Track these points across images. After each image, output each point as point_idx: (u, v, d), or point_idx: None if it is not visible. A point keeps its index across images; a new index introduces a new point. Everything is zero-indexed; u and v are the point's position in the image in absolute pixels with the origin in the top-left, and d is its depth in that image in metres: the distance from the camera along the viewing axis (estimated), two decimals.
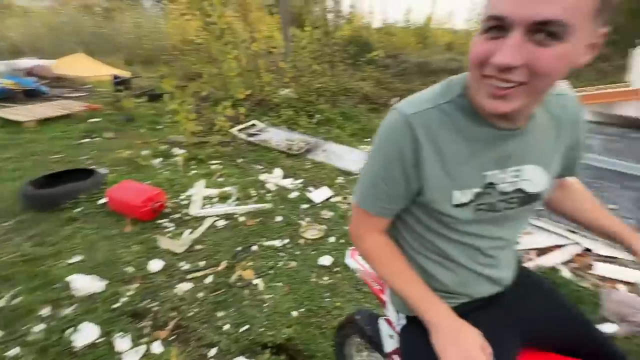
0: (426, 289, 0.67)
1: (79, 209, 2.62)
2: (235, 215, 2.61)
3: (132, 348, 1.54)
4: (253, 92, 5.37)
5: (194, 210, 2.66)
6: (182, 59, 7.04)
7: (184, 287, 1.92)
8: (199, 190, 2.96)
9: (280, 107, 5.18)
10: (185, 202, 2.81)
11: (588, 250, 2.04)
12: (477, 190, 0.62)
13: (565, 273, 1.91)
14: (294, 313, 1.76)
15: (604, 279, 1.85)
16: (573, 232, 2.15)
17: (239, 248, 2.25)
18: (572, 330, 0.75)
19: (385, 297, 0.90)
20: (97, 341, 1.56)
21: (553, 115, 0.65)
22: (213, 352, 1.55)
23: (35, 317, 1.67)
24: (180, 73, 6.79)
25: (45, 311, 1.71)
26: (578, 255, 2.05)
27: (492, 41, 0.48)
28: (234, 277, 1.99)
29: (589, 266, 1.96)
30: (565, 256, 2.03)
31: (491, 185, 0.63)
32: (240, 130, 4.40)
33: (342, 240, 2.34)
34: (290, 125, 4.75)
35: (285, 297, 1.86)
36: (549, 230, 2.20)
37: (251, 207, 2.71)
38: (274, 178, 3.24)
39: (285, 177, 3.31)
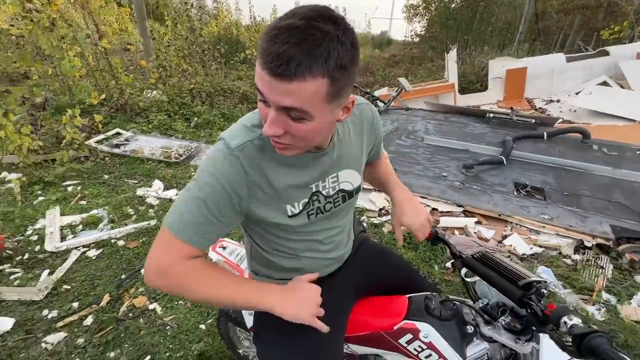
0: (255, 283, 0.74)
1: None
2: (112, 240, 2.26)
3: None
4: (109, 95, 4.60)
5: (51, 245, 2.17)
6: None
7: (53, 339, 1.58)
8: (52, 219, 2.41)
9: (149, 111, 4.63)
10: (34, 237, 2.26)
11: (435, 209, 2.67)
12: (305, 200, 0.76)
13: None
14: (202, 326, 1.69)
15: (446, 228, 2.47)
16: (423, 197, 2.76)
17: (123, 275, 1.98)
18: (400, 277, 1.01)
19: None
20: None
21: (355, 124, 0.81)
22: None
23: None
24: None
25: None
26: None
27: (265, 107, 0.58)
28: (122, 310, 1.75)
29: (437, 221, 2.58)
30: None
31: (316, 193, 0.77)
32: (99, 141, 3.73)
33: None
34: (164, 131, 4.32)
35: (188, 313, 1.76)
36: None
37: (131, 227, 2.39)
38: (154, 191, 2.92)
39: (167, 188, 3.02)
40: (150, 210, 2.66)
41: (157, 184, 3.02)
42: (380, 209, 2.69)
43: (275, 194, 0.70)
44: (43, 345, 1.54)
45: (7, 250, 2.08)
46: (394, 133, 3.85)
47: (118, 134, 4.02)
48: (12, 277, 1.93)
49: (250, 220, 0.75)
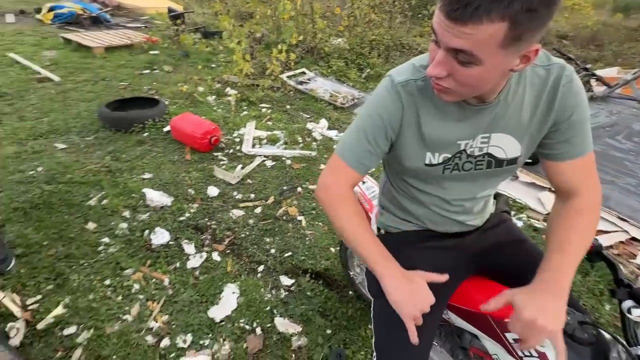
0: (385, 251, 0.73)
1: (146, 134, 2.92)
2: (282, 158, 2.79)
3: (196, 253, 1.84)
4: (305, 38, 5.25)
5: (246, 148, 2.87)
6: None
7: (237, 212, 2.17)
8: (249, 130, 3.14)
9: (331, 57, 5.07)
10: (237, 139, 3.02)
11: (635, 239, 2.00)
12: (448, 155, 0.72)
13: None
14: (332, 249, 1.96)
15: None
16: (623, 219, 2.10)
17: (285, 187, 2.44)
18: (533, 274, 0.68)
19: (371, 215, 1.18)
20: (169, 243, 1.87)
21: (534, 86, 0.67)
22: (261, 268, 1.81)
23: (119, 217, 2.01)
24: (233, 11, 6.71)
25: (127, 214, 2.05)
26: (622, 242, 2.02)
27: (436, 48, 0.57)
28: (280, 211, 2.21)
29: (632, 255, 1.95)
30: (608, 241, 2.01)
31: (462, 152, 0.71)
32: (289, 76, 4.43)
33: None
34: (339, 77, 4.69)
35: (324, 235, 2.06)
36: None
37: (297, 152, 2.86)
38: (320, 128, 3.33)
39: (330, 128, 3.38)
40: (314, 143, 3.07)
41: (323, 123, 3.42)
42: (547, 214, 2.23)
43: (420, 138, 0.71)
44: (230, 214, 2.16)
45: (222, 143, 2.89)
46: (607, 129, 2.94)
47: (303, 73, 4.65)
48: (221, 162, 2.69)
49: (390, 156, 0.80)
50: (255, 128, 3.21)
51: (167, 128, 2.94)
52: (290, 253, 1.92)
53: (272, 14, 5.26)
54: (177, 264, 1.77)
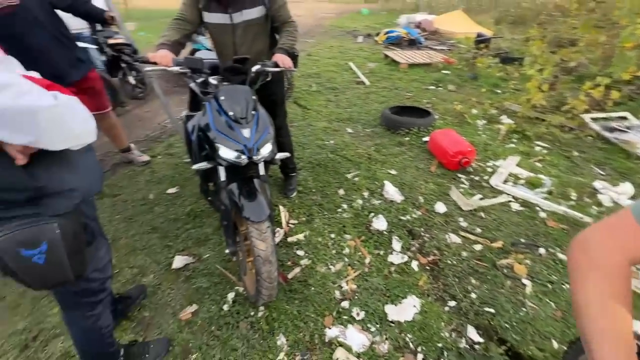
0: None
1: (407, 138, 3.29)
2: (536, 208, 2.29)
3: (400, 252, 1.95)
4: None
5: (495, 181, 2.58)
6: (561, 20, 5.98)
7: (453, 238, 2.05)
8: (509, 164, 2.78)
9: None
10: (489, 169, 2.77)
11: None
12: None
13: None
14: (554, 342, 1.45)
15: None
16: None
17: (524, 240, 2.02)
18: None
19: None
20: (383, 232, 2.10)
21: None
22: (452, 303, 1.65)
23: (360, 194, 2.46)
24: (550, 37, 5.91)
25: (365, 194, 2.47)
26: None
27: None
28: (503, 262, 1.87)
29: None
30: None
31: None
32: (596, 119, 3.42)
33: None
34: None
35: (551, 320, 1.55)
36: None
37: (563, 209, 2.24)
38: (616, 192, 2.40)
39: (634, 197, 2.36)
40: (595, 207, 2.28)
41: (625, 188, 2.43)
42: None
43: None
44: (446, 236, 2.07)
45: (471, 167, 2.76)
46: None
47: (623, 118, 3.44)
48: (461, 185, 2.59)
49: None
50: (517, 165, 2.80)
51: (426, 138, 3.17)
52: (493, 310, 1.61)
53: (606, 41, 4.17)
54: (381, 252, 1.95)
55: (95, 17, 2.13)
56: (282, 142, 2.25)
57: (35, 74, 0.75)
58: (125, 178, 2.70)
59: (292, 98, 4.35)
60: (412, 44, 8.01)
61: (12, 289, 1.74)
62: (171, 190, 2.52)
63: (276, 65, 1.63)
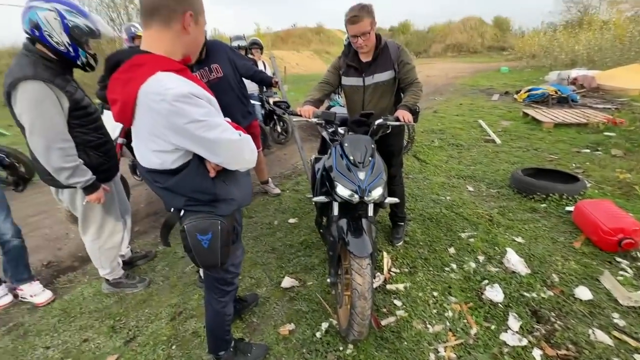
0: None
1: (544, 205, 2.83)
2: None
3: (516, 333, 1.65)
4: None
5: None
6: None
7: (601, 336, 1.60)
8: None
9: None
10: None
11: None
12: None
13: None
14: None
15: None
16: None
17: None
18: None
19: None
20: (498, 304, 1.83)
21: None
22: None
23: (474, 257, 2.24)
24: None
25: (481, 258, 2.23)
26: None
27: None
28: None
29: None
30: None
31: None
32: None
33: None
34: None
35: None
36: None
37: None
38: None
39: None
40: None
41: None
42: None
43: None
44: (590, 330, 1.64)
45: (638, 253, 2.14)
46: None
47: None
48: (620, 272, 2.03)
49: None
50: None
51: (570, 208, 2.66)
52: None
53: None
54: (492, 326, 1.70)
55: (266, 83, 2.87)
56: (394, 189, 2.35)
57: (227, 119, 1.14)
58: (260, 205, 3.29)
59: (412, 152, 4.44)
60: (562, 102, 7.04)
61: (175, 272, 2.32)
62: (292, 220, 2.91)
63: (397, 119, 1.80)
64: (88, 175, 1.68)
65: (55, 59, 1.57)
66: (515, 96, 8.25)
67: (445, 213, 2.82)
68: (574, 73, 9.07)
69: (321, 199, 1.66)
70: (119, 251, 2.11)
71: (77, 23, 1.55)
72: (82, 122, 1.67)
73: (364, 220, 1.62)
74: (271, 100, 4.49)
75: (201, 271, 2.08)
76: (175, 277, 2.28)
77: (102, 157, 1.79)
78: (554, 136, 4.86)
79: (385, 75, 2.00)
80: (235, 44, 4.33)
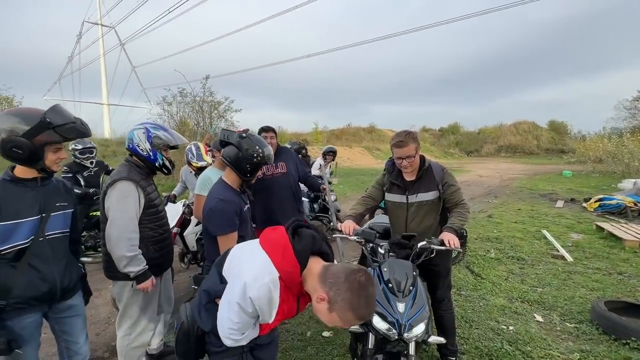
0: None
1: None
2: None
3: None
4: None
5: None
6: None
7: None
8: None
9: None
10: None
11: None
12: None
13: None
14: None
15: None
16: None
17: None
18: None
19: None
20: None
21: None
22: None
23: None
24: None
25: None
26: None
27: None
28: None
29: None
30: None
31: None
32: None
33: None
34: None
35: None
36: None
37: None
38: None
39: None
40: None
41: None
42: None
43: None
44: None
45: None
46: None
47: None
48: None
49: None
50: None
51: None
52: None
53: None
54: None
55: (315, 188, 3.08)
56: (441, 315, 2.08)
57: None
58: None
59: (465, 262, 4.06)
60: None
61: None
62: (326, 334, 2.66)
63: (442, 243, 1.71)
64: (142, 265, 1.82)
65: (142, 164, 1.93)
66: (585, 204, 7.52)
67: (508, 350, 2.35)
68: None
69: (356, 328, 1.51)
70: (144, 352, 2.07)
71: (158, 134, 1.93)
72: (151, 219, 1.91)
73: None
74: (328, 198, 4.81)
75: None
76: None
77: (159, 251, 1.96)
78: None
79: (429, 195, 1.99)
80: (288, 144, 4.96)
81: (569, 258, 4.20)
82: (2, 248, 1.34)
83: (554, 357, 2.26)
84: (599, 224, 5.49)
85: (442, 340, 1.50)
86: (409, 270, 1.52)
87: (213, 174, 2.42)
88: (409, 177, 2.07)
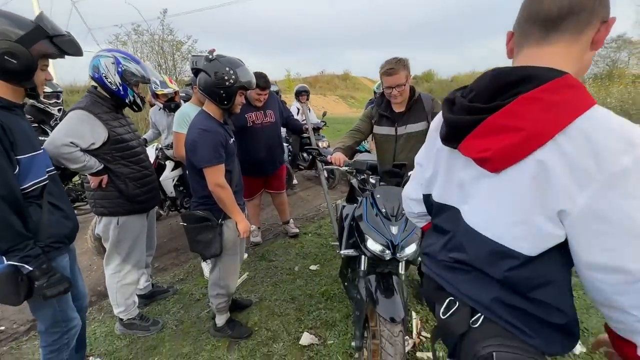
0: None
1: None
2: None
3: None
4: None
5: None
6: None
7: None
8: None
9: None
10: None
11: None
12: None
13: None
14: None
15: None
16: None
17: None
18: None
19: None
20: None
21: None
22: None
23: None
24: None
25: None
26: None
27: None
28: None
29: None
30: None
31: None
32: None
33: None
34: None
35: None
36: None
37: None
38: None
39: None
40: None
41: None
42: None
43: None
44: None
45: None
46: None
47: None
48: None
49: None
50: None
51: None
52: None
53: None
54: None
55: (297, 129, 2.98)
56: None
57: None
58: (281, 247, 3.20)
59: None
60: None
61: (190, 316, 2.22)
62: (313, 267, 2.79)
63: None
64: (97, 166, 1.70)
65: (107, 97, 1.74)
66: None
67: None
68: None
69: (349, 252, 1.56)
70: (135, 290, 2.06)
71: (129, 68, 1.71)
72: (124, 155, 1.79)
73: (394, 278, 1.50)
74: (320, 144, 4.62)
75: (217, 319, 1.98)
76: (189, 322, 2.17)
77: (139, 188, 1.86)
78: None
79: (418, 126, 1.98)
80: None
81: None
82: (27, 185, 1.15)
83: None
84: None
85: None
86: (400, 196, 1.54)
87: (191, 110, 2.24)
88: (398, 108, 2.02)
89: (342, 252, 1.61)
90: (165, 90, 3.13)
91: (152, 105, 3.35)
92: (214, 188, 1.62)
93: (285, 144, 4.65)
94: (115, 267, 1.93)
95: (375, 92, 4.79)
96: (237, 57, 1.68)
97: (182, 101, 3.22)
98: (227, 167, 1.67)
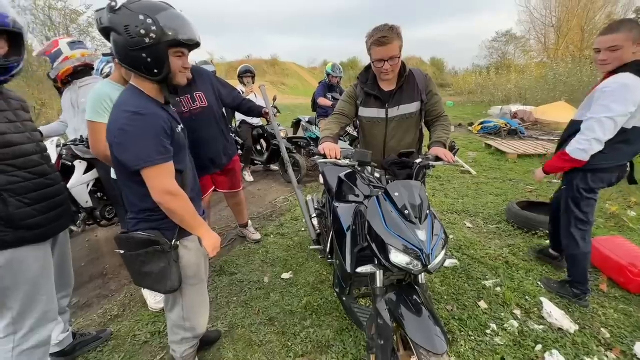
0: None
1: (548, 241, 2.72)
2: None
3: None
4: None
5: None
6: None
7: None
8: None
9: None
10: None
11: None
12: None
13: None
14: None
15: None
16: None
17: None
18: None
19: None
20: None
21: None
22: None
23: (510, 312, 1.95)
24: None
25: (518, 313, 1.95)
26: None
27: None
28: None
29: None
30: None
31: None
32: None
33: None
34: None
35: None
36: None
37: None
38: None
39: None
40: None
41: None
42: None
43: None
44: None
45: None
46: None
47: None
48: None
49: None
50: None
51: None
52: None
53: None
54: None
55: (255, 113, 2.44)
56: None
57: None
58: (242, 256, 2.72)
59: None
60: (513, 133, 7.62)
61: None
62: (285, 276, 2.40)
63: (437, 158, 1.50)
64: None
65: None
66: (470, 128, 8.81)
67: (457, 256, 2.55)
68: (514, 108, 10.06)
69: (367, 269, 1.24)
70: (47, 350, 1.42)
71: None
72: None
73: (419, 291, 1.24)
74: (283, 134, 3.95)
75: None
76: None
77: (30, 206, 1.24)
78: (520, 166, 5.07)
79: (412, 107, 1.72)
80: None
81: (473, 172, 4.85)
82: None
83: (491, 254, 2.56)
84: (487, 142, 6.49)
85: (456, 262, 1.38)
86: (422, 193, 1.27)
87: (112, 90, 1.60)
88: (388, 86, 1.73)
89: (358, 270, 1.27)
90: (67, 52, 2.17)
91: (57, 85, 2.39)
92: (162, 197, 1.11)
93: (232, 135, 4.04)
94: (4, 328, 1.27)
95: (328, 74, 4.45)
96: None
97: (95, 74, 2.33)
98: (177, 166, 1.17)
